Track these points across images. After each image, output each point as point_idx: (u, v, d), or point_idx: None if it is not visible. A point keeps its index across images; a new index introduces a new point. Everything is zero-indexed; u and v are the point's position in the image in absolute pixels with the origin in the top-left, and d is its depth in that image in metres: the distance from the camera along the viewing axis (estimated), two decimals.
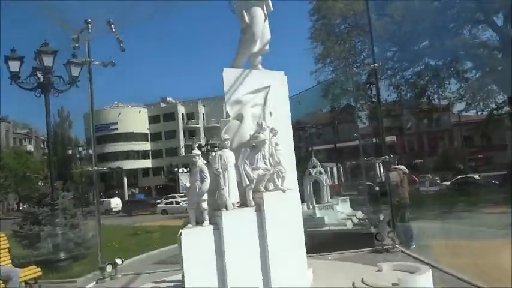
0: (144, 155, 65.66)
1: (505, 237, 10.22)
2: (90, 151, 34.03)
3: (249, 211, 3.95)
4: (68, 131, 58.82)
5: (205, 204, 3.82)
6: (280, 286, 3.84)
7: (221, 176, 3.83)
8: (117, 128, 62.30)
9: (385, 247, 6.89)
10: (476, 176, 35.75)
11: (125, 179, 62.97)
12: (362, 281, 4.61)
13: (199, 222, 3.88)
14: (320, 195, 12.75)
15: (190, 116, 69.27)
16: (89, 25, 6.82)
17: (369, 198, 13.78)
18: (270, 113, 4.42)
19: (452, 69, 31.73)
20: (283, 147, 4.40)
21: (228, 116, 4.27)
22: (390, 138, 42.29)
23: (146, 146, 66.84)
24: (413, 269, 4.62)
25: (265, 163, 4.09)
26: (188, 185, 4.07)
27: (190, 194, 3.92)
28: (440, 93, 33.14)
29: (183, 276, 3.75)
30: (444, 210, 19.25)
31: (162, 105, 71.14)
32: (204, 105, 70.91)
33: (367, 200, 13.56)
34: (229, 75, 4.42)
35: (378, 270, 4.86)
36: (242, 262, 3.81)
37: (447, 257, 7.37)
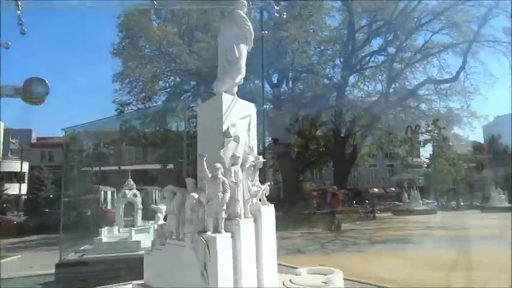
0: None
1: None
2: None
3: (251, 221, 4.56)
4: None
5: (224, 214, 4.20)
6: (269, 285, 4.57)
7: (237, 189, 4.32)
8: None
9: None
10: None
11: None
12: (291, 281, 5.71)
13: (215, 230, 4.19)
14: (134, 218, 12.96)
15: None
16: None
17: None
18: (252, 138, 5.15)
19: None
20: None
21: (228, 134, 4.73)
22: (169, 166, 44.26)
23: None
24: (326, 271, 6.03)
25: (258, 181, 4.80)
26: (196, 196, 4.31)
27: (210, 204, 4.19)
28: None
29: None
30: None
31: None
32: None
33: None
34: (226, 99, 4.93)
35: (297, 274, 6.05)
36: (248, 264, 4.36)
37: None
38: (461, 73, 27.47)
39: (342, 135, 32.10)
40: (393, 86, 31.69)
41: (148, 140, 36.94)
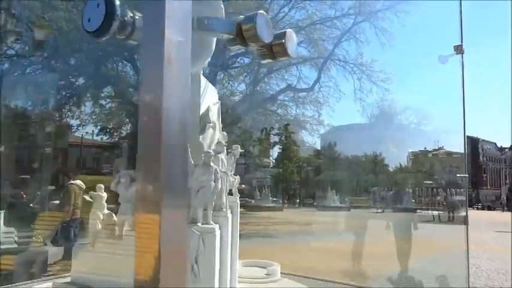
0: None
1: None
2: None
3: (229, 213, 4.32)
4: None
5: (212, 204, 3.88)
6: (237, 276, 4.48)
7: (226, 178, 4.05)
8: None
9: None
10: None
11: None
12: None
13: (204, 221, 3.84)
14: None
15: None
16: None
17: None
18: (221, 126, 4.88)
19: (89, 94, 33.74)
20: None
21: (208, 119, 4.38)
22: None
23: None
24: (263, 264, 6.09)
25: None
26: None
27: (201, 193, 3.80)
28: (77, 113, 34.24)
29: None
30: None
31: None
32: None
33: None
34: (202, 81, 4.55)
35: None
36: (227, 257, 4.14)
37: None
38: (316, 85, 30.91)
39: None
40: (257, 88, 33.65)
41: None
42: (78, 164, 47.80)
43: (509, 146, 70.81)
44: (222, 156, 4.25)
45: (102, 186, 5.11)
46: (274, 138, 41.95)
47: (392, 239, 14.12)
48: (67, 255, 7.46)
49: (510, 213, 33.01)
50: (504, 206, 42.65)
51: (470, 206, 42.86)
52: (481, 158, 65.79)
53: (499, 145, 72.72)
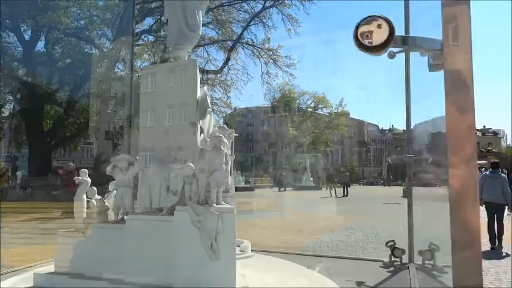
0: None
1: None
2: None
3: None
4: None
5: (223, 186, 4.01)
6: None
7: (232, 161, 4.20)
8: None
9: None
10: None
11: None
12: None
13: (217, 202, 3.96)
14: None
15: None
16: None
17: None
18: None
19: None
20: None
21: (207, 104, 4.42)
22: None
23: None
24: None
25: None
26: (193, 166, 3.96)
27: (214, 176, 3.89)
28: None
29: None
30: None
31: None
32: None
33: None
34: (198, 68, 4.57)
35: None
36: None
37: None
38: (225, 68, 31.11)
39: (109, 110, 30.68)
40: None
41: None
42: None
43: (388, 128, 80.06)
44: (226, 140, 4.43)
45: (86, 171, 4.88)
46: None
47: (313, 214, 15.39)
48: None
49: (390, 187, 37.80)
50: (385, 181, 48.30)
51: (357, 181, 47.57)
52: (365, 139, 72.74)
53: (380, 127, 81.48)
